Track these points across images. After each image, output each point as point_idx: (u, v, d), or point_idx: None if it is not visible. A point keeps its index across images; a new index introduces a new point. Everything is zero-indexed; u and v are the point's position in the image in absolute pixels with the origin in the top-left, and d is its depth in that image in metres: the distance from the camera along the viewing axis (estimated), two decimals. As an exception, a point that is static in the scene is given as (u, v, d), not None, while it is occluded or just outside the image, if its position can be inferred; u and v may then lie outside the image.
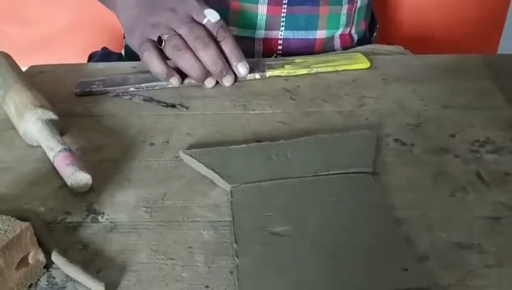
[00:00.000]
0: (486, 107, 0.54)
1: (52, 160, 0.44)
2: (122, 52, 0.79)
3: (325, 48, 0.70)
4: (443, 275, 0.36)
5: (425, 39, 0.89)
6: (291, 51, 0.67)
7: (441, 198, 0.43)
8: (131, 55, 0.75)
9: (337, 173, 0.44)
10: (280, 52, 0.68)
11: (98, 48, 0.79)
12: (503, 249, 0.38)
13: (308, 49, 0.68)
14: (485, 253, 0.38)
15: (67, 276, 0.36)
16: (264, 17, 0.65)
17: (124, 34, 0.77)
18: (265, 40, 0.67)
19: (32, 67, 0.64)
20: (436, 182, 0.44)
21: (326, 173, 0.44)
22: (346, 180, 0.44)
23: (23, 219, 0.35)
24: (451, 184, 0.44)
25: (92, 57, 0.77)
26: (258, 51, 0.69)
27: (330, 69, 0.59)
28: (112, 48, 0.79)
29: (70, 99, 0.57)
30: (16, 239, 0.34)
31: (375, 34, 0.78)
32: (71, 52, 0.85)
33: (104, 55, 0.76)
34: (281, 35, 0.67)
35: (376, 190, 0.43)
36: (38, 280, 0.36)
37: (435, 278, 0.36)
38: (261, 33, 0.66)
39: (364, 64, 0.60)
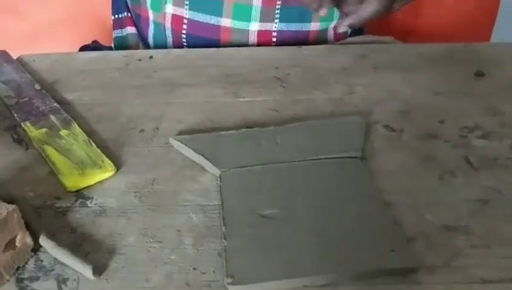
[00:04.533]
0: (476, 95, 0.54)
1: None
2: (112, 45, 0.79)
3: (319, 41, 0.70)
4: (430, 256, 0.36)
5: (417, 30, 0.89)
6: (285, 44, 0.67)
7: (429, 182, 0.43)
8: (121, 48, 0.75)
9: (326, 158, 0.44)
10: (274, 44, 0.68)
11: (89, 42, 0.79)
12: (490, 230, 0.38)
13: (302, 42, 0.68)
14: (471, 234, 0.38)
15: (55, 259, 0.37)
16: (259, 9, 0.65)
17: (113, 27, 0.76)
18: (260, 32, 0.67)
19: (23, 56, 0.64)
20: (425, 166, 0.45)
21: (315, 157, 0.44)
22: (335, 164, 0.44)
23: (10, 202, 0.35)
24: (440, 168, 0.44)
25: (82, 51, 0.77)
26: (252, 44, 0.69)
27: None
28: (102, 42, 0.79)
29: (61, 87, 0.57)
30: (3, 221, 0.34)
31: (365, 23, 0.78)
32: (61, 46, 0.84)
33: (95, 48, 0.76)
34: (275, 27, 0.67)
35: (365, 174, 0.43)
36: (26, 263, 0.36)
37: (421, 259, 0.36)
38: (255, 25, 0.66)
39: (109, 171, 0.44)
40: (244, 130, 0.48)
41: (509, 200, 0.41)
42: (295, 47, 0.64)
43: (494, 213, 0.40)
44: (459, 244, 0.37)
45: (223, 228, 0.38)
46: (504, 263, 0.36)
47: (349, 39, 0.72)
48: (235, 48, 0.64)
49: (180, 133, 0.49)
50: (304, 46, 0.64)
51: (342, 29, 0.58)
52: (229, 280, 0.34)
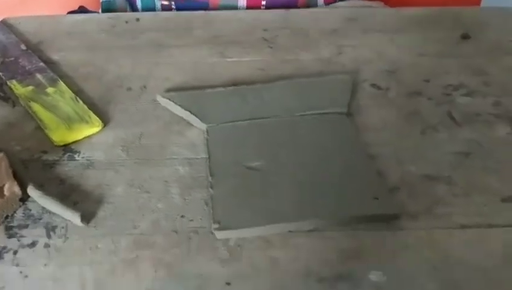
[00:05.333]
0: (461, 55, 0.55)
1: None
2: (99, 10, 0.78)
3: (308, 2, 0.69)
4: (412, 204, 0.37)
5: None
6: (274, 5, 0.67)
7: (412, 136, 0.44)
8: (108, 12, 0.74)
9: (313, 114, 0.45)
10: (264, 6, 0.68)
11: (75, 7, 0.78)
12: (470, 180, 0.39)
13: (291, 3, 0.67)
14: (453, 184, 0.39)
15: (43, 208, 0.37)
16: None
17: None
18: None
19: (8, 18, 0.63)
20: (409, 121, 0.45)
21: (302, 113, 0.45)
22: (321, 119, 0.44)
23: (-3, 153, 0.35)
24: (423, 123, 0.45)
25: (69, 17, 0.76)
26: (242, 5, 0.68)
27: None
28: (89, 7, 0.78)
29: (46, 47, 0.57)
30: (-10, 169, 0.34)
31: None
32: (47, 12, 0.83)
33: (82, 14, 0.75)
34: None
35: (350, 129, 0.44)
36: (15, 212, 0.37)
37: (404, 207, 0.37)
38: None
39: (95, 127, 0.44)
40: (231, 87, 0.48)
41: (489, 152, 0.42)
42: (284, 10, 0.64)
43: (474, 164, 0.41)
44: (440, 193, 0.38)
45: (210, 178, 0.38)
46: (483, 210, 0.37)
47: (339, 3, 0.72)
48: (223, 10, 0.64)
49: (168, 91, 0.49)
50: (292, 9, 0.64)
51: None
52: (216, 226, 0.35)
